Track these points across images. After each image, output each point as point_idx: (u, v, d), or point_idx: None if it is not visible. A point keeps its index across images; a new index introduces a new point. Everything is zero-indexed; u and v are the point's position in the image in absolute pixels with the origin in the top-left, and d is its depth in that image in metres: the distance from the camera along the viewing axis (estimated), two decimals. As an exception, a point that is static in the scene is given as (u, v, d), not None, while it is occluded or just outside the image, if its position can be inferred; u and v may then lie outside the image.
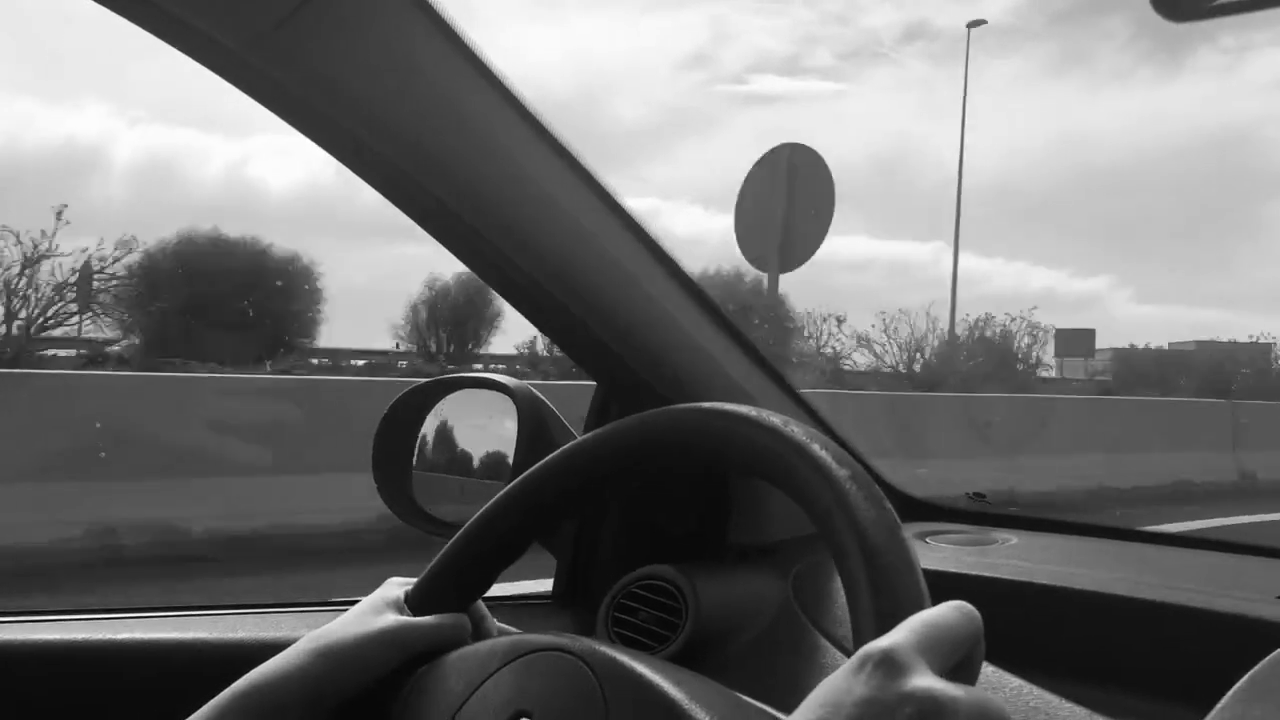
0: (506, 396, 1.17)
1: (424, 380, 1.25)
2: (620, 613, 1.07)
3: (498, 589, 0.87)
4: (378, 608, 0.84)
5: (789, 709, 0.90)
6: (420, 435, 1.25)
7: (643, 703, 0.65)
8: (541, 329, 1.18)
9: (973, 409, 11.49)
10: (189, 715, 0.77)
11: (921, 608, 0.58)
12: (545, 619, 1.21)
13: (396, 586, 0.86)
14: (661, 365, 1.11)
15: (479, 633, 0.86)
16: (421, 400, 1.25)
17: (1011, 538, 1.27)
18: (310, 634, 0.82)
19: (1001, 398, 13.82)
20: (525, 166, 1.01)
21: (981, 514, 1.37)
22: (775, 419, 0.68)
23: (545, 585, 1.29)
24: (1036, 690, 0.86)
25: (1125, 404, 14.34)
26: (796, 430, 0.67)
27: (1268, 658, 0.84)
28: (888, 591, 0.58)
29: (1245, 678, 0.82)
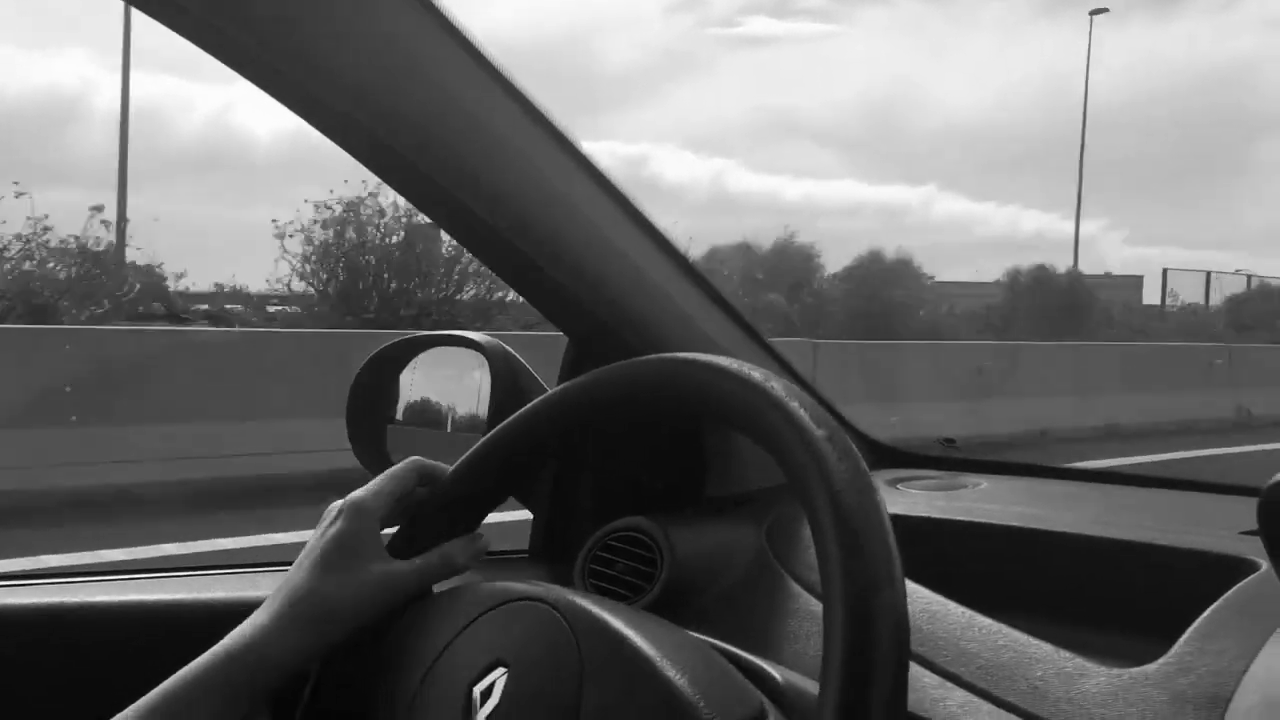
0: (478, 353, 1.18)
1: (396, 338, 1.25)
2: (596, 565, 1.08)
3: None
4: (351, 551, 0.82)
5: (764, 652, 0.92)
6: (395, 392, 1.26)
7: (617, 654, 0.66)
8: (511, 283, 1.18)
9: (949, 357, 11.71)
10: (167, 677, 0.77)
11: (890, 569, 0.59)
12: (522, 572, 1.22)
13: (355, 518, 0.83)
14: (633, 317, 1.12)
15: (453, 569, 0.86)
16: (395, 358, 1.25)
17: (981, 482, 1.29)
18: (287, 593, 0.81)
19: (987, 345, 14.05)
20: (492, 120, 1.00)
21: (951, 460, 1.39)
22: (757, 373, 0.69)
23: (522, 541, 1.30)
24: (1006, 629, 0.88)
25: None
26: (777, 386, 0.67)
27: (1228, 592, 0.86)
28: (858, 552, 0.58)
29: (1208, 611, 0.84)
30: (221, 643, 0.79)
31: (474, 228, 1.07)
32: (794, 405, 0.65)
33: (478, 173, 1.01)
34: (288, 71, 0.91)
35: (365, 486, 0.85)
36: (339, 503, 0.85)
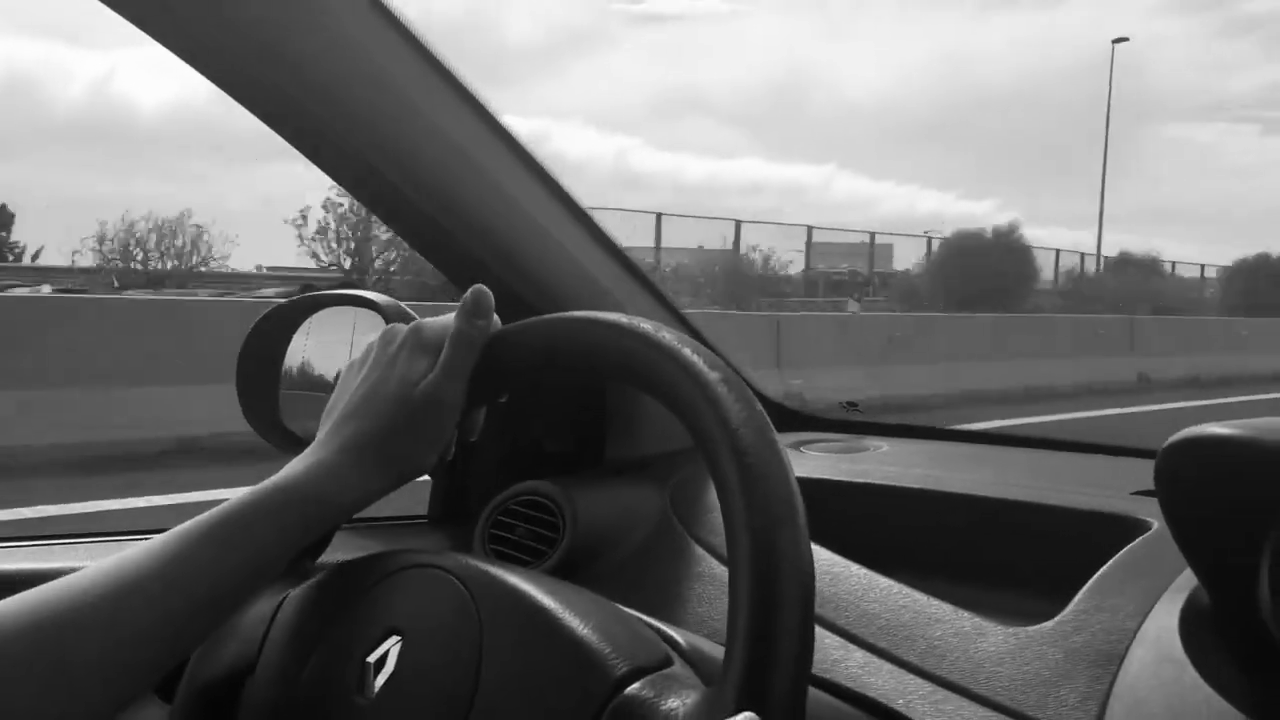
0: (375, 313, 1.14)
1: (288, 299, 1.21)
2: (497, 530, 1.06)
3: (371, 511, 0.85)
4: (436, 413, 0.76)
5: (668, 618, 0.91)
6: (286, 354, 1.21)
7: (517, 614, 0.64)
8: (409, 240, 1.14)
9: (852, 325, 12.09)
10: None
11: (791, 503, 0.58)
12: (421, 538, 1.19)
13: (453, 379, 0.76)
14: (532, 276, 1.09)
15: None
16: (287, 318, 1.20)
17: (883, 445, 1.30)
18: (354, 434, 0.75)
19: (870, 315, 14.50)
20: (390, 73, 0.97)
21: (854, 423, 1.40)
22: (646, 324, 0.67)
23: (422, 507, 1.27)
24: (906, 590, 0.88)
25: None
26: (667, 335, 0.66)
27: (1121, 551, 0.88)
28: (759, 487, 0.58)
29: (1102, 570, 0.85)
30: (275, 476, 0.74)
31: (371, 184, 1.03)
32: (686, 351, 0.64)
33: (374, 125, 0.98)
34: (188, 20, 0.87)
35: (451, 340, 0.76)
36: (411, 336, 0.78)
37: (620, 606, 0.70)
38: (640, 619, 0.69)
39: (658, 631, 0.68)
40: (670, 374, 0.64)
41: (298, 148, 1.00)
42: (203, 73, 0.92)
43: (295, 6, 0.90)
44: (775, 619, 0.55)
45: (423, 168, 1.01)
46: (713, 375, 0.62)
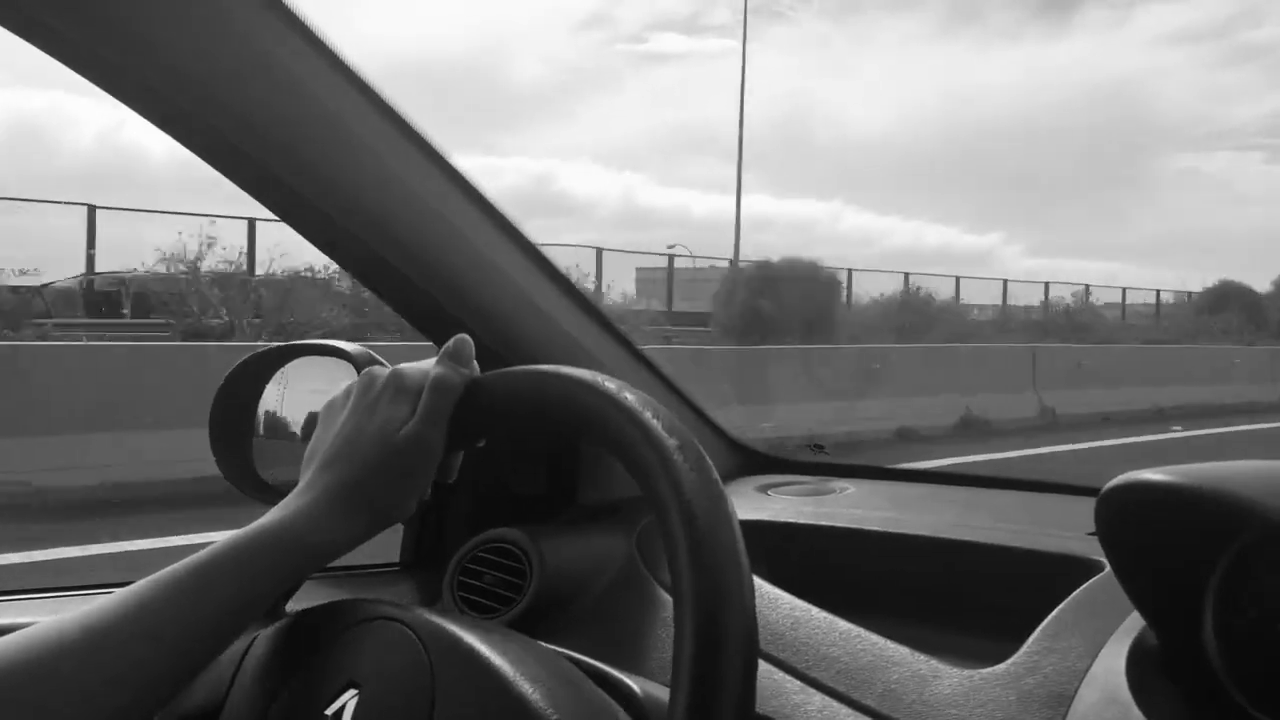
0: (347, 362, 1.15)
1: (262, 348, 1.22)
2: (466, 577, 1.07)
3: (342, 559, 0.87)
4: (422, 457, 0.77)
5: (633, 662, 0.93)
6: (260, 404, 1.22)
7: (471, 675, 0.66)
8: (377, 291, 1.16)
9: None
10: None
11: (739, 576, 0.59)
12: (391, 586, 1.20)
13: (433, 423, 0.77)
14: (500, 327, 1.11)
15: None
16: (259, 369, 1.22)
17: (849, 487, 1.32)
18: (338, 481, 0.76)
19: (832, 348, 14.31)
20: (356, 130, 0.99)
21: (820, 464, 1.42)
22: (610, 384, 0.69)
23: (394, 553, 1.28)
24: (865, 633, 0.90)
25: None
26: (630, 396, 0.67)
27: (1074, 592, 0.90)
28: (706, 561, 0.59)
29: (1054, 612, 0.87)
30: (257, 522, 0.75)
31: (338, 239, 1.05)
32: (646, 415, 0.65)
33: (341, 181, 0.99)
34: (143, 78, 0.88)
35: (430, 385, 0.78)
36: (392, 382, 0.78)
37: (576, 662, 0.71)
38: (597, 673, 0.71)
39: (615, 685, 0.70)
40: (628, 435, 0.65)
41: (275, 213, 1.02)
42: (171, 133, 0.93)
43: (251, 62, 0.91)
44: (715, 695, 0.56)
45: (389, 220, 1.03)
46: (670, 442, 0.63)
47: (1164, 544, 0.73)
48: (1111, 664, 0.78)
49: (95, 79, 0.87)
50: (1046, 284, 27.72)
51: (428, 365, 0.80)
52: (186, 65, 0.88)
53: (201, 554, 0.73)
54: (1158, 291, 30.38)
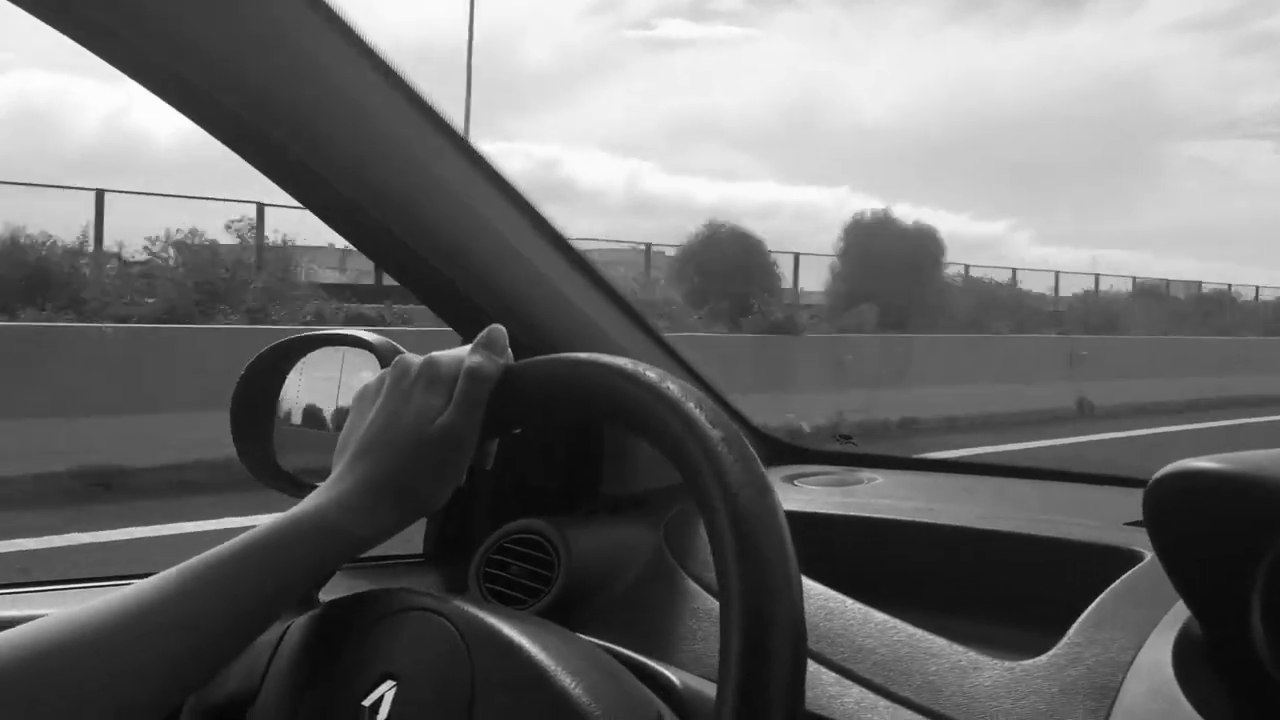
0: (369, 352, 1.14)
1: (283, 339, 1.21)
2: (492, 568, 1.06)
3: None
4: (454, 446, 0.76)
5: (664, 654, 0.91)
6: (281, 393, 1.22)
7: (511, 667, 0.64)
8: (400, 279, 1.15)
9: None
10: None
11: (786, 571, 0.58)
12: (417, 578, 1.19)
13: (468, 412, 0.75)
14: (526, 314, 1.10)
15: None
16: (280, 359, 1.21)
17: (876, 477, 1.31)
18: (371, 472, 0.74)
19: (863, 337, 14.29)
20: (380, 117, 0.98)
21: (847, 454, 1.40)
22: (653, 373, 0.67)
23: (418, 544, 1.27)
24: (901, 625, 0.88)
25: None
26: (673, 387, 0.66)
27: (1115, 583, 0.88)
28: (754, 557, 0.57)
29: (1095, 602, 0.86)
30: (291, 510, 0.74)
31: (363, 224, 1.04)
32: (690, 406, 0.64)
33: (366, 168, 0.98)
34: (184, 74, 0.88)
35: (465, 373, 0.76)
36: (426, 370, 0.77)
37: (616, 656, 0.70)
38: (636, 665, 0.69)
39: (654, 676, 0.68)
40: (672, 427, 0.64)
41: (300, 200, 1.01)
42: (206, 127, 0.92)
43: (284, 53, 0.90)
44: (766, 693, 0.55)
45: (414, 207, 1.02)
46: (715, 434, 0.62)
47: (1213, 532, 0.72)
48: (1157, 655, 0.76)
49: (123, 66, 0.87)
50: (1057, 273, 27.61)
51: (461, 353, 0.78)
52: (210, 49, 0.87)
53: (235, 541, 0.72)
54: (1167, 281, 30.16)
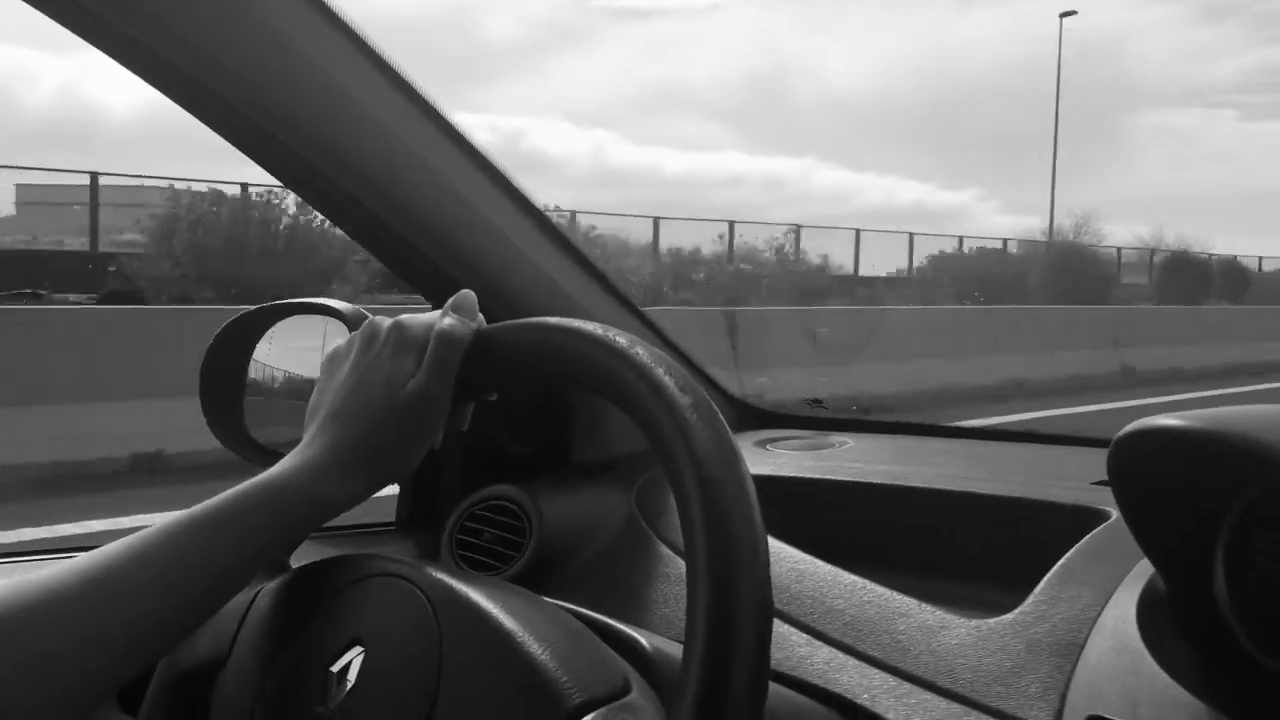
0: (339, 321, 1.14)
1: (254, 306, 1.20)
2: (464, 535, 1.06)
3: (339, 518, 0.86)
4: (429, 413, 0.75)
5: (636, 618, 0.92)
6: (250, 364, 1.21)
7: (478, 632, 0.65)
8: (371, 249, 1.14)
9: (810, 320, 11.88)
10: None
11: (753, 538, 0.58)
12: (390, 545, 1.19)
13: (442, 377, 0.75)
14: (499, 284, 1.09)
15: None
16: (251, 327, 1.20)
17: (848, 441, 1.31)
18: (343, 437, 0.74)
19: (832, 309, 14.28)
20: (348, 84, 0.97)
21: (819, 419, 1.41)
22: (622, 339, 0.67)
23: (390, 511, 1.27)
24: (871, 585, 0.89)
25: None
26: (642, 352, 0.65)
27: (1081, 541, 0.89)
28: (721, 525, 0.57)
29: (1061, 561, 0.87)
30: (262, 474, 0.73)
31: (331, 193, 1.03)
32: (659, 372, 0.63)
33: (334, 137, 0.97)
34: (143, 41, 0.86)
35: (436, 337, 0.75)
36: (395, 334, 0.76)
37: (584, 620, 0.70)
38: (605, 628, 0.70)
39: (623, 640, 0.69)
40: (641, 393, 0.64)
41: (271, 172, 1.00)
42: (165, 90, 0.91)
43: (248, 22, 0.89)
44: (730, 662, 0.55)
45: (382, 176, 1.01)
46: (684, 400, 0.62)
47: (1177, 490, 0.72)
48: (1122, 612, 0.77)
49: (83, 31, 0.85)
50: (1005, 240, 27.77)
51: (431, 318, 0.78)
52: (172, 18, 0.86)
53: (207, 504, 0.71)
54: (1142, 249, 30.41)
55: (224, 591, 0.72)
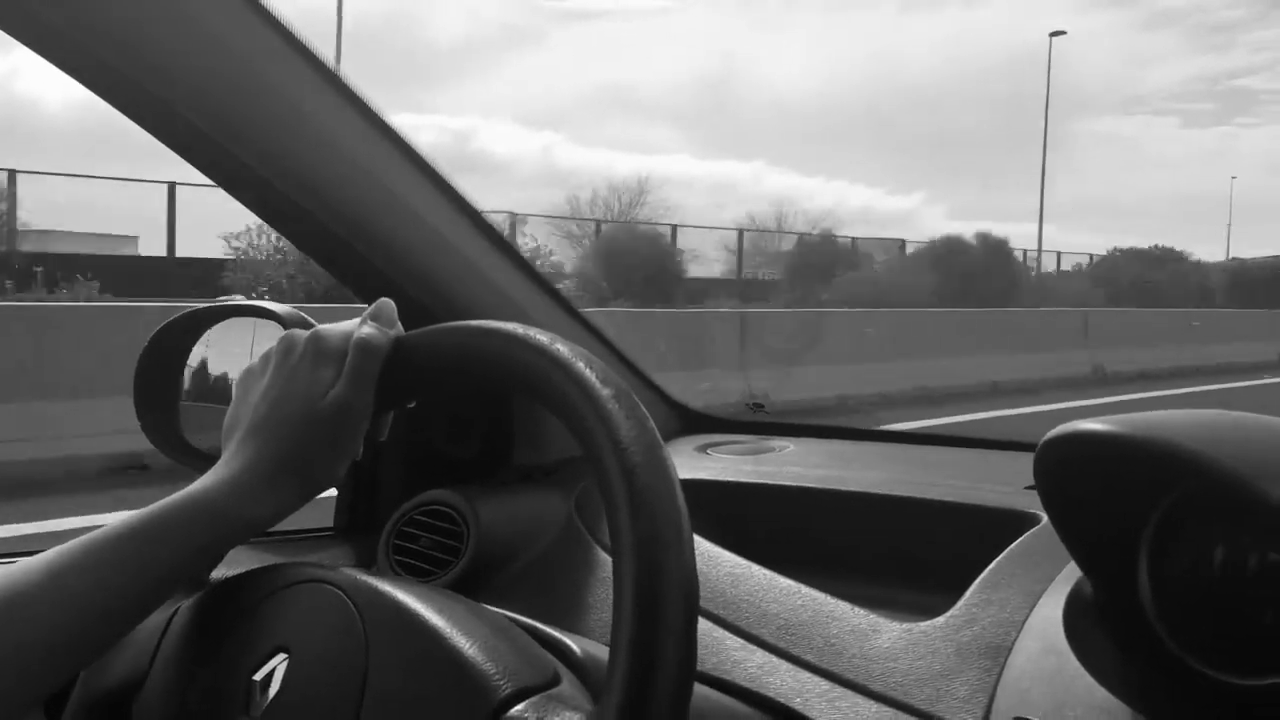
0: (275, 323, 1.12)
1: (189, 308, 1.19)
2: (402, 540, 1.06)
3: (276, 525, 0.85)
4: (349, 425, 0.74)
5: (573, 622, 0.92)
6: (185, 367, 1.19)
7: (403, 632, 0.64)
8: (308, 251, 1.13)
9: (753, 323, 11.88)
10: None
11: (678, 523, 0.58)
12: (328, 552, 1.18)
13: (361, 388, 0.74)
14: (434, 285, 1.09)
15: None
16: (186, 329, 1.18)
17: (788, 445, 1.32)
18: (264, 451, 0.73)
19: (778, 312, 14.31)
20: (284, 85, 0.96)
21: (760, 423, 1.42)
22: (542, 336, 0.67)
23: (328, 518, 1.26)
24: (805, 589, 0.89)
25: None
26: (562, 348, 0.66)
27: (1012, 545, 0.90)
28: (645, 509, 0.58)
29: (992, 564, 0.88)
30: (182, 492, 0.72)
31: (266, 195, 1.02)
32: (579, 365, 0.64)
33: (271, 138, 0.96)
34: (79, 40, 0.85)
35: (355, 347, 0.75)
36: (312, 345, 0.75)
37: (514, 621, 0.70)
38: (535, 632, 0.69)
39: (553, 643, 0.68)
40: (562, 386, 0.64)
41: (204, 171, 0.98)
42: (79, 80, 0.89)
43: (184, 22, 0.88)
44: (657, 642, 0.55)
45: (320, 179, 1.00)
46: (605, 391, 0.62)
47: (1101, 494, 0.74)
48: (1049, 614, 0.79)
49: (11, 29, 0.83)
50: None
51: (349, 327, 0.77)
52: (106, 14, 0.84)
53: (118, 523, 0.70)
54: (1091, 256, 31.01)
55: (134, 612, 0.70)
